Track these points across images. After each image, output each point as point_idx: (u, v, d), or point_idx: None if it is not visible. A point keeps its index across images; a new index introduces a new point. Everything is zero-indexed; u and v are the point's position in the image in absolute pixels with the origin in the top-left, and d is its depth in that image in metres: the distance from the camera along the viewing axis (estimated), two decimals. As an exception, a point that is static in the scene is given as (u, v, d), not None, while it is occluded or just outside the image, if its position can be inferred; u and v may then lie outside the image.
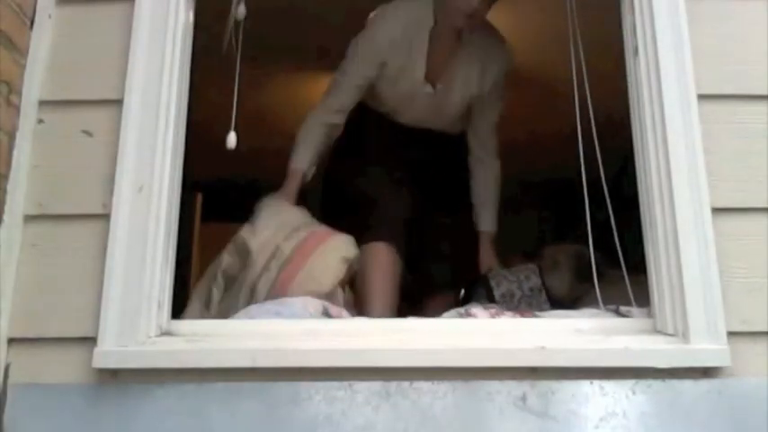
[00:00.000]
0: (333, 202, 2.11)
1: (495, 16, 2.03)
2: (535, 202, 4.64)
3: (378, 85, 2.00)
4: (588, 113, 1.52)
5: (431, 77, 2.00)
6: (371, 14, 2.03)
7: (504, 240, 2.27)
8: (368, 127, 2.10)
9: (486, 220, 2.18)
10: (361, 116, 2.07)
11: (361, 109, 2.05)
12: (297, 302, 1.41)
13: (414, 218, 1.98)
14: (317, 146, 1.97)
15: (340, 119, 2.00)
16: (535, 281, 2.04)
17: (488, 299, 1.97)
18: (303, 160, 1.94)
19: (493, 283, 2.03)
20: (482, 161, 2.18)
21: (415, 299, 2.05)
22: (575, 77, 1.53)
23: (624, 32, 1.35)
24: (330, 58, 2.09)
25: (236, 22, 1.55)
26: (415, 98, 2.02)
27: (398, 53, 1.94)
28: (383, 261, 1.85)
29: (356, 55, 1.97)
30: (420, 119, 2.08)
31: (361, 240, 1.78)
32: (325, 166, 2.12)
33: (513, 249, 2.43)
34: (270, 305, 1.42)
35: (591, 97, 1.51)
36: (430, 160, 2.13)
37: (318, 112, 2.00)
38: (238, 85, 1.60)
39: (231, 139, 1.53)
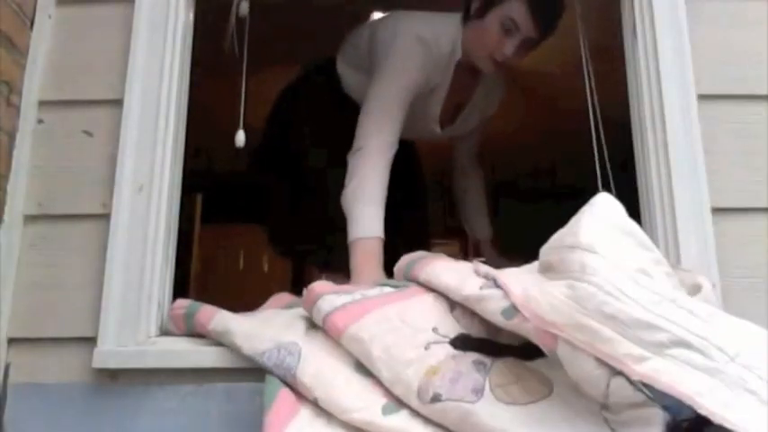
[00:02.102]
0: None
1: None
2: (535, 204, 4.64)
3: None
4: (588, 114, 1.52)
5: (441, 116, 1.82)
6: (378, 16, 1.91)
7: (503, 241, 2.28)
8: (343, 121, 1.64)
9: (485, 227, 2.22)
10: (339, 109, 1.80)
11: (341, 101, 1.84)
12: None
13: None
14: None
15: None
16: None
17: None
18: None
19: None
20: (469, 173, 2.20)
21: None
22: (587, 80, 1.52)
23: (624, 33, 1.36)
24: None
25: (239, 21, 1.53)
26: (417, 129, 1.79)
27: (433, 74, 1.65)
28: None
29: (412, 52, 1.57)
30: (408, 136, 1.76)
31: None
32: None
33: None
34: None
35: (590, 97, 1.51)
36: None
37: (376, 147, 1.48)
38: (236, 85, 1.59)
39: (240, 138, 1.51)
